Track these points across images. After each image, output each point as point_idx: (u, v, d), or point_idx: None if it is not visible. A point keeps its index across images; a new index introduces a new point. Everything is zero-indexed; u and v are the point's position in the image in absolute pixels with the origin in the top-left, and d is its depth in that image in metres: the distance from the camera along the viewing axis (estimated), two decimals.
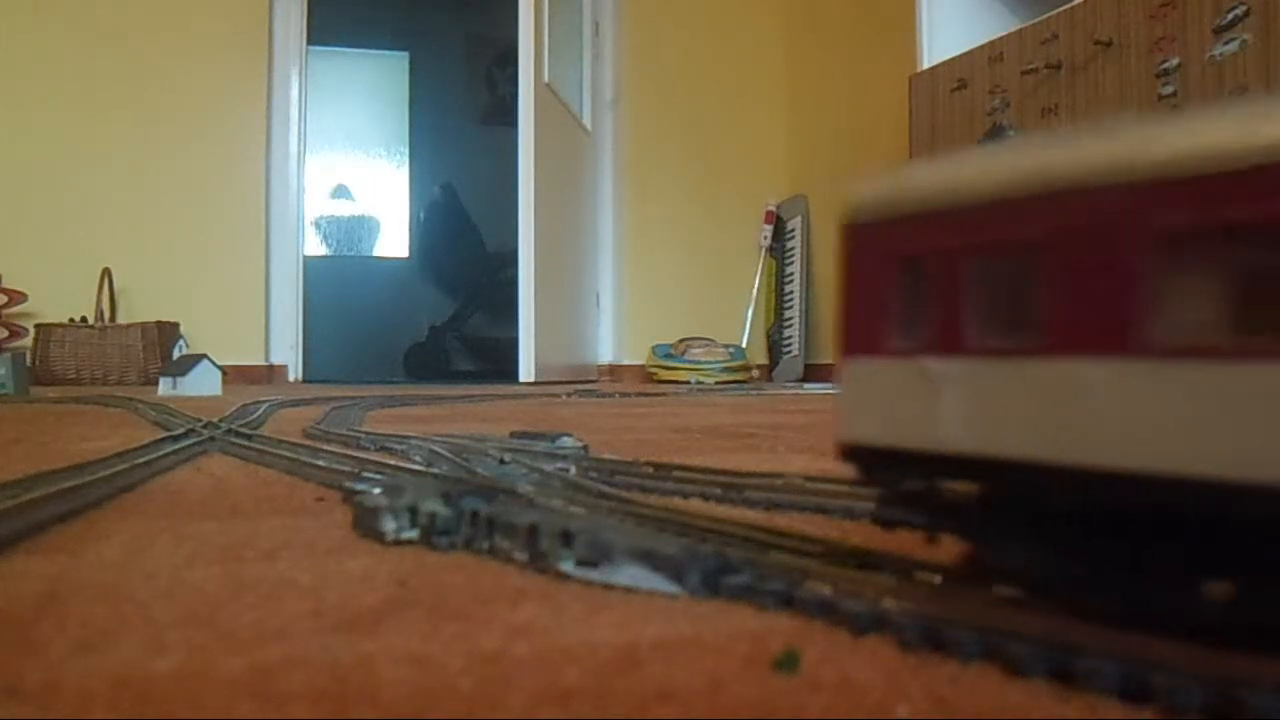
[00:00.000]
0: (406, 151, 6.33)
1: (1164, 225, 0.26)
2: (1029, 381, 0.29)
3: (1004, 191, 0.30)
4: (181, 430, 1.08)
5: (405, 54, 6.29)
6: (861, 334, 0.35)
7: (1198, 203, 0.25)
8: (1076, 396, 0.27)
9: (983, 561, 0.34)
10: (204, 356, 2.66)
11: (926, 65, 3.67)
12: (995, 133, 3.27)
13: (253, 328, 4.06)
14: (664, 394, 2.79)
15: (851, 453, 0.36)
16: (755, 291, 4.74)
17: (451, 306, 5.88)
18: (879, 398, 0.34)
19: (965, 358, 0.31)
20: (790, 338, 4.62)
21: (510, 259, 3.80)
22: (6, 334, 3.63)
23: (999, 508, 0.31)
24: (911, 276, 0.33)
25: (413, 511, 0.48)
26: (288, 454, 0.84)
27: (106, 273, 3.77)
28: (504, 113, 5.45)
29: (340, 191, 6.26)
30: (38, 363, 3.56)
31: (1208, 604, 0.26)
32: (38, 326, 3.66)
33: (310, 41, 4.25)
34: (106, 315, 3.76)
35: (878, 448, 0.34)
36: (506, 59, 5.02)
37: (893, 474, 0.35)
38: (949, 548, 0.38)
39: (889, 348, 0.34)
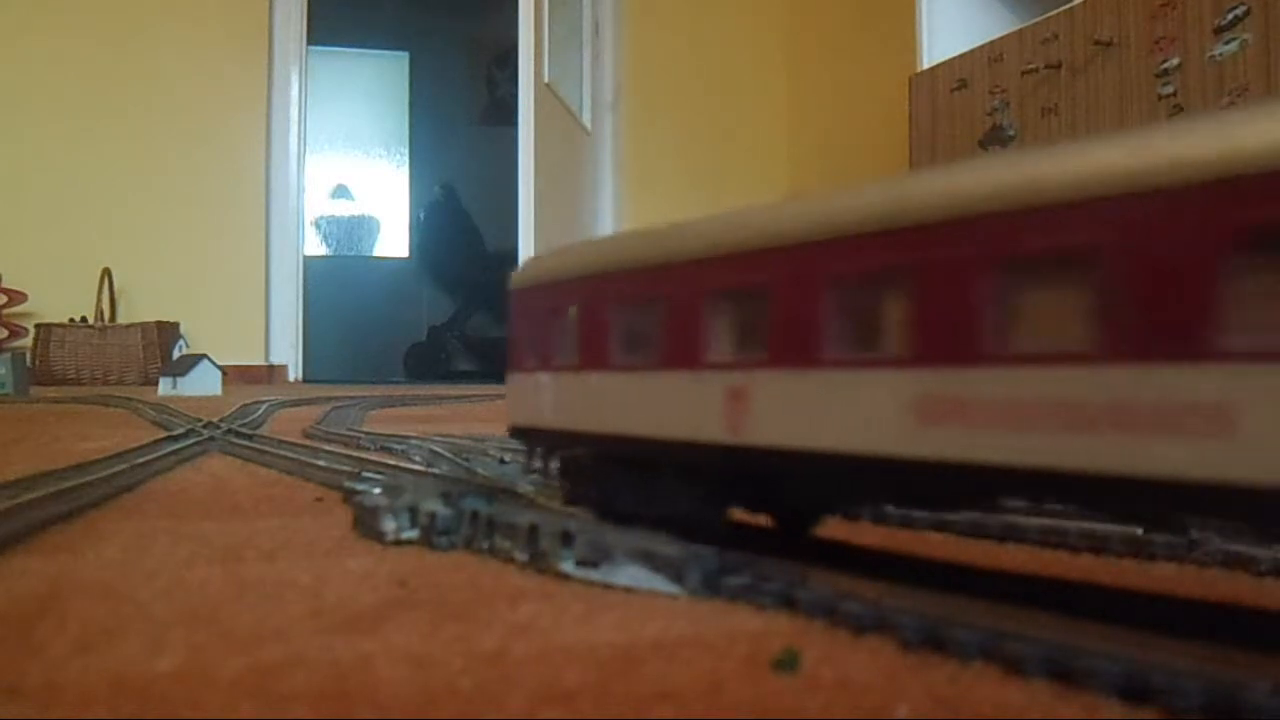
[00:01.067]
0: (406, 151, 6.33)
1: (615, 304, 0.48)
2: (579, 385, 0.49)
3: (566, 274, 0.51)
4: (181, 430, 1.08)
5: (405, 54, 6.29)
6: (514, 357, 0.56)
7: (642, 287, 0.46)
8: (597, 394, 0.48)
9: (571, 494, 0.52)
10: (204, 356, 2.66)
11: (926, 65, 3.67)
12: (995, 133, 3.27)
13: (253, 328, 4.06)
14: None
15: (513, 431, 0.56)
16: None
17: (451, 306, 5.88)
18: (522, 397, 0.55)
19: (552, 372, 0.51)
20: None
21: (510, 259, 3.80)
22: (6, 334, 3.63)
23: (575, 460, 0.51)
24: (530, 322, 0.54)
25: (413, 511, 0.48)
26: (288, 454, 0.84)
27: (106, 273, 3.77)
28: (504, 113, 5.45)
29: (340, 191, 6.26)
30: (38, 363, 3.56)
31: (704, 516, 0.44)
32: (38, 326, 3.66)
33: (310, 41, 4.25)
34: (106, 315, 3.76)
35: (523, 427, 0.55)
36: (506, 59, 5.02)
37: (532, 442, 0.55)
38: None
39: (525, 366, 0.54)
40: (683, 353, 0.42)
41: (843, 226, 0.36)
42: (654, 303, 0.44)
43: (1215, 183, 0.26)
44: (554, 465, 0.53)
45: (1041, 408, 0.29)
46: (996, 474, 0.30)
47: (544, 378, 0.52)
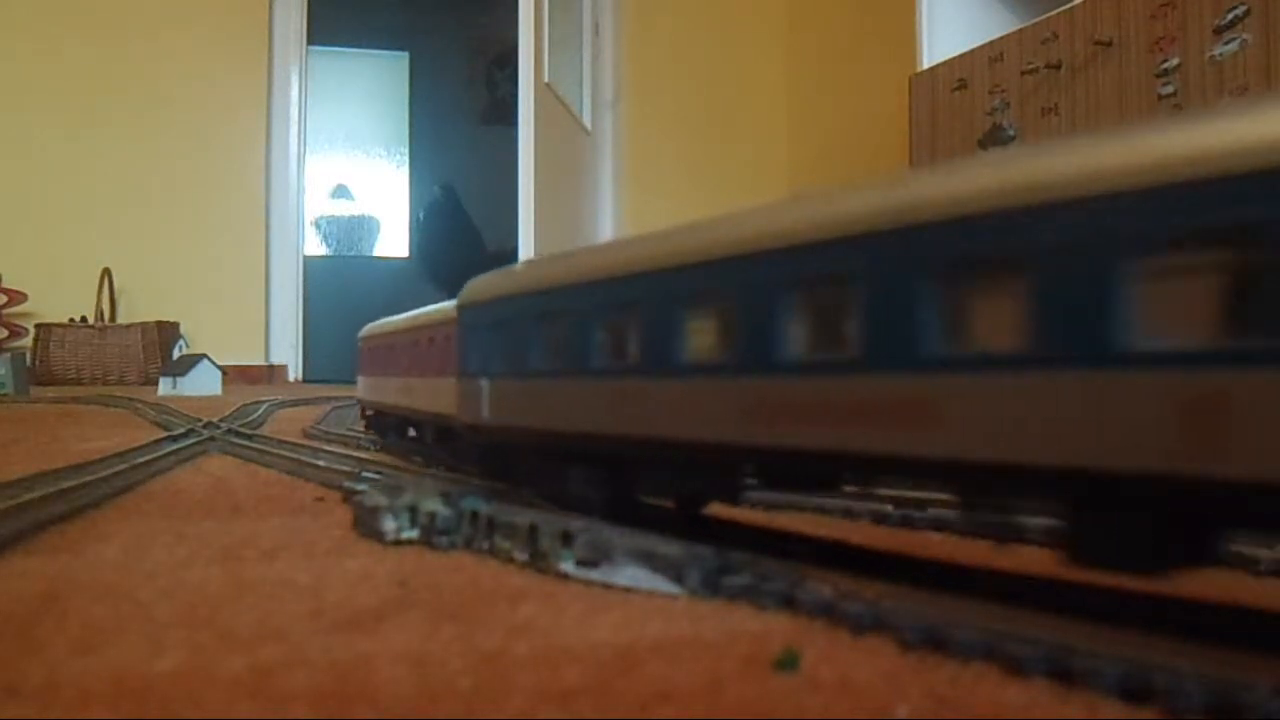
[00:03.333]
0: (406, 151, 6.33)
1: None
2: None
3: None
4: (181, 430, 1.08)
5: (405, 54, 6.29)
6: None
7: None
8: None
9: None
10: (204, 356, 2.66)
11: (926, 65, 3.67)
12: (995, 133, 3.27)
13: (253, 328, 4.06)
14: None
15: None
16: None
17: None
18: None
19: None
20: None
21: (510, 259, 3.80)
22: (6, 334, 3.63)
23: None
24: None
25: (413, 511, 0.48)
26: (288, 454, 0.84)
27: (106, 273, 3.77)
28: (504, 113, 5.45)
29: (340, 191, 6.27)
30: (38, 363, 3.56)
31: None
32: (38, 326, 3.66)
33: (310, 41, 4.25)
34: (106, 315, 3.76)
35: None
36: (506, 59, 5.02)
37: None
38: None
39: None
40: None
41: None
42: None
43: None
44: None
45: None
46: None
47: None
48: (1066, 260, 0.32)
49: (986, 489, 0.35)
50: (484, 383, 0.60)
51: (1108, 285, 0.31)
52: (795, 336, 0.39)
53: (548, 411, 0.52)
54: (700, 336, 0.43)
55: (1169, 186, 0.30)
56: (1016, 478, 0.32)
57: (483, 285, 0.64)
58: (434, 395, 0.77)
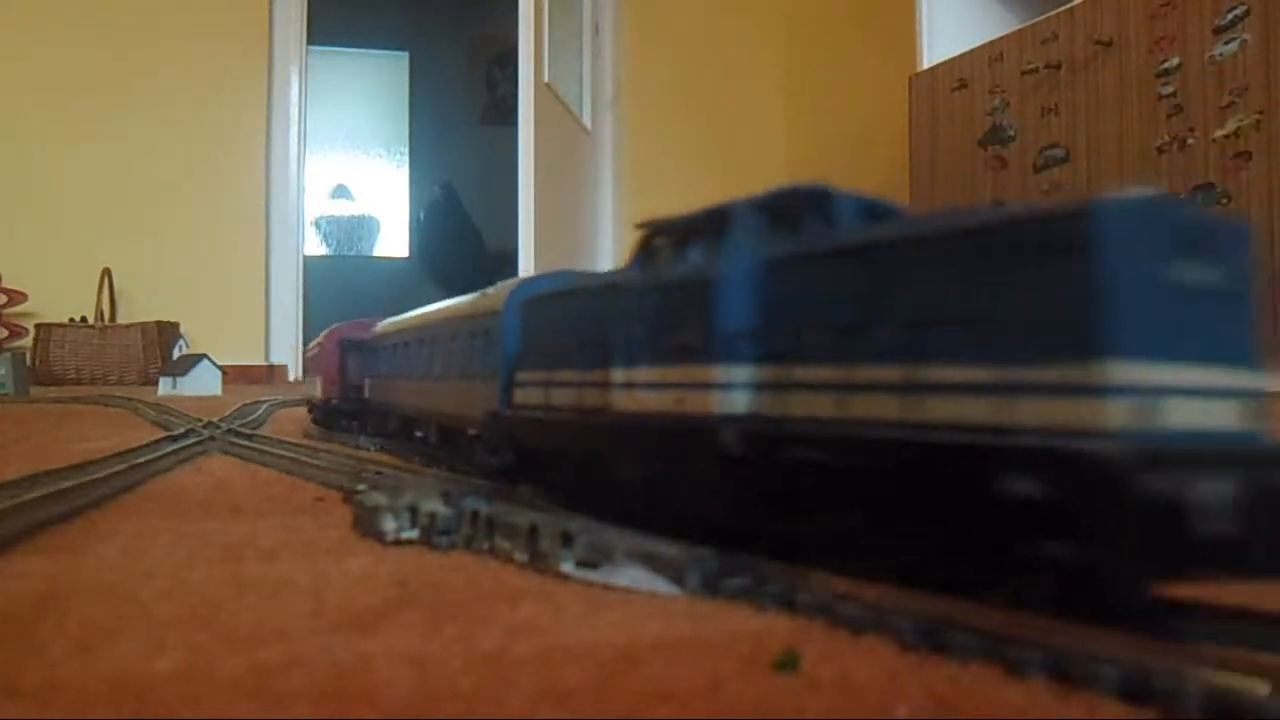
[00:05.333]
0: (406, 151, 6.33)
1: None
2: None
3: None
4: (181, 430, 1.08)
5: (405, 54, 6.29)
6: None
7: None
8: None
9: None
10: (204, 356, 2.66)
11: (926, 65, 3.67)
12: (995, 133, 3.27)
13: (253, 328, 4.06)
14: None
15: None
16: None
17: None
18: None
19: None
20: None
21: (510, 259, 3.80)
22: (6, 334, 3.63)
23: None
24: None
25: (413, 511, 0.48)
26: (288, 454, 0.84)
27: (106, 273, 3.78)
28: (504, 113, 5.45)
29: (340, 191, 6.27)
30: (38, 363, 3.56)
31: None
32: (38, 326, 3.66)
33: (310, 41, 4.25)
34: (106, 315, 3.76)
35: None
36: (506, 59, 5.03)
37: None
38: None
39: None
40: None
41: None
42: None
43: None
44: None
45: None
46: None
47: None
48: (436, 339, 0.83)
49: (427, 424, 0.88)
50: (368, 380, 1.16)
51: (443, 351, 0.80)
52: (417, 363, 0.90)
53: (383, 393, 1.07)
54: (404, 360, 0.96)
55: (460, 317, 0.77)
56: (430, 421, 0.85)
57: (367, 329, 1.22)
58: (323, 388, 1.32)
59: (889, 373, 0.29)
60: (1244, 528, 0.26)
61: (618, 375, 0.44)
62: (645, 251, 0.44)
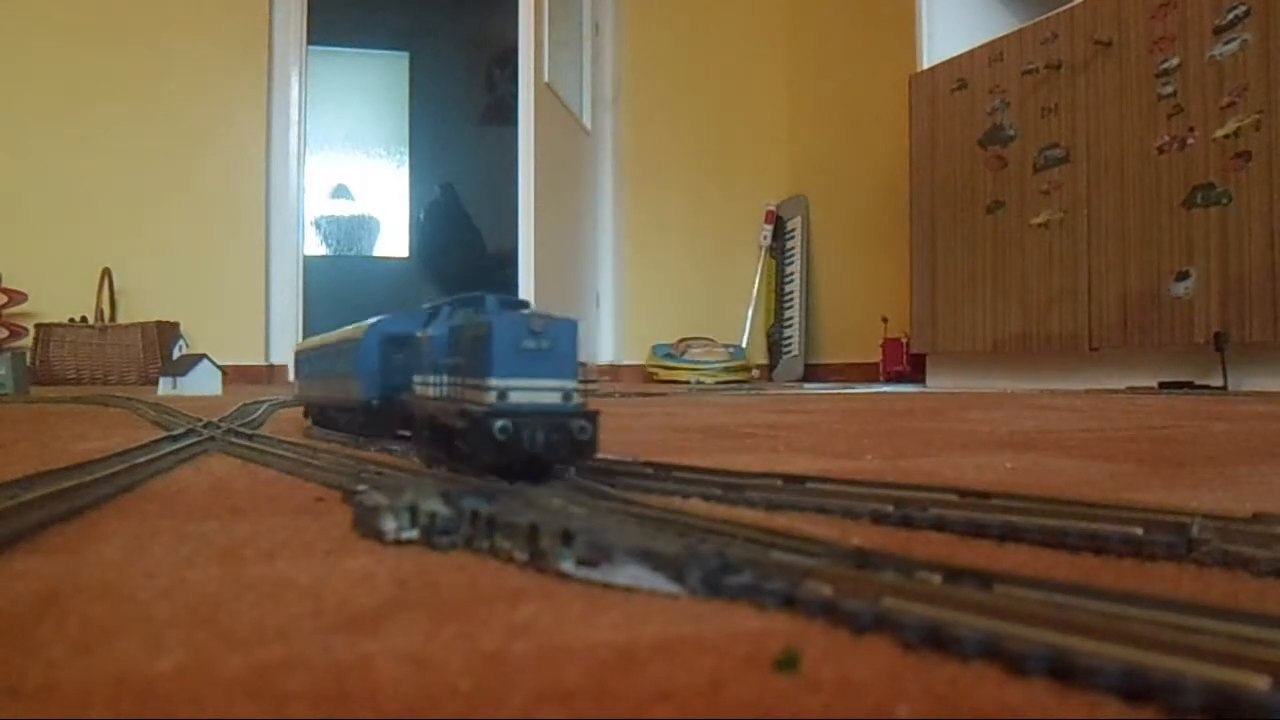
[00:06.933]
0: (406, 151, 6.33)
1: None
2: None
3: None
4: (181, 430, 1.08)
5: (405, 54, 6.29)
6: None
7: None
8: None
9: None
10: (204, 356, 2.66)
11: (926, 65, 3.67)
12: (995, 133, 3.27)
13: (253, 328, 4.06)
14: (664, 394, 2.80)
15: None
16: (755, 291, 4.74)
17: None
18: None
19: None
20: (790, 337, 4.62)
21: (510, 259, 3.80)
22: (6, 334, 3.63)
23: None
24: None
25: (413, 511, 0.48)
26: (288, 454, 0.84)
27: (106, 273, 3.77)
28: (504, 113, 5.45)
29: (340, 191, 6.27)
30: (38, 363, 3.55)
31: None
32: (38, 326, 3.66)
33: (310, 41, 4.25)
34: (106, 315, 3.76)
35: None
36: (506, 59, 5.02)
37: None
38: (938, 549, 0.38)
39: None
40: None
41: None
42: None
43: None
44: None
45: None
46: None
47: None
48: (332, 354, 1.05)
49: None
50: (299, 381, 1.29)
51: (332, 359, 1.05)
52: (321, 368, 1.12)
53: (308, 390, 1.21)
54: (322, 365, 1.12)
55: (344, 339, 1.00)
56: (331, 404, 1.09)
57: (302, 345, 1.30)
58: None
59: (458, 380, 0.64)
60: (546, 448, 0.56)
61: (427, 379, 0.79)
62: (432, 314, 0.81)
